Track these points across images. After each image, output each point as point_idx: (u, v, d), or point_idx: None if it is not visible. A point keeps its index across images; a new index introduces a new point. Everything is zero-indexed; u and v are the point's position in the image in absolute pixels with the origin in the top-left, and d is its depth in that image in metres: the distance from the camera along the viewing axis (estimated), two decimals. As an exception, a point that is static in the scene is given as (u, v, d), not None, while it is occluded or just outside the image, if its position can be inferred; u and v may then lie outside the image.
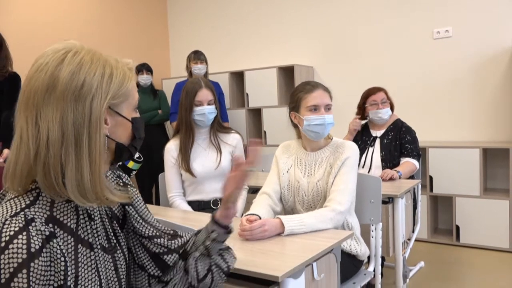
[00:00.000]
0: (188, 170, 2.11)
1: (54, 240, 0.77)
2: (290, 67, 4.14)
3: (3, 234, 0.72)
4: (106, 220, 0.93)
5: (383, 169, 2.61)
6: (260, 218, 1.57)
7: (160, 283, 1.02)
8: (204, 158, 2.15)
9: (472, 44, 3.58)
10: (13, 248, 0.71)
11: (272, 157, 1.97)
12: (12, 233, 0.73)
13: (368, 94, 2.80)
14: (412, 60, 3.84)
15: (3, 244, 0.72)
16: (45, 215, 0.80)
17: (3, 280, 0.70)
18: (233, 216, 1.07)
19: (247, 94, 4.33)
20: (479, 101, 3.59)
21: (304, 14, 4.36)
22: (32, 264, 0.72)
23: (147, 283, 1.01)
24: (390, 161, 2.66)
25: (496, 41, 3.48)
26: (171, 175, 2.16)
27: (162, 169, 2.28)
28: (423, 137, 3.71)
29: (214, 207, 2.17)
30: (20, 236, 0.73)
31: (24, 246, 0.72)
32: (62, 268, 0.77)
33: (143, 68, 4.09)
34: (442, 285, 2.71)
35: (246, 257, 1.31)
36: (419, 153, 2.70)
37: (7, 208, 0.78)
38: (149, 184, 4.08)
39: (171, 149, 2.17)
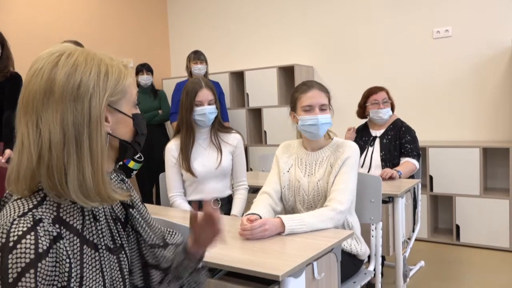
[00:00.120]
0: (189, 170, 2.11)
1: (61, 241, 0.78)
2: (290, 67, 4.14)
3: (12, 234, 0.73)
4: (111, 221, 0.94)
5: (382, 169, 2.61)
6: (260, 218, 1.57)
7: None
8: (204, 158, 2.16)
9: (472, 43, 3.58)
10: (21, 248, 0.72)
11: (272, 157, 1.97)
12: (20, 233, 0.73)
13: (369, 93, 2.80)
14: (412, 60, 3.84)
15: (11, 244, 0.72)
16: (52, 216, 0.80)
17: (10, 280, 0.71)
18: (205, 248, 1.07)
19: (247, 94, 4.33)
20: (479, 100, 3.60)
21: (304, 14, 4.37)
22: (39, 264, 0.73)
23: None
24: (390, 160, 2.66)
25: (496, 40, 3.48)
26: (171, 175, 2.16)
27: (162, 169, 2.29)
28: (423, 137, 3.72)
29: (215, 207, 2.17)
30: (28, 236, 0.73)
31: (32, 246, 0.73)
32: (67, 269, 0.77)
33: (143, 68, 4.09)
34: (442, 284, 2.72)
35: (246, 256, 1.32)
36: (419, 153, 2.70)
37: (14, 208, 0.78)
38: (150, 184, 4.08)
39: (172, 149, 2.17)
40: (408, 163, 2.61)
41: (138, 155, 0.96)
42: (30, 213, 0.77)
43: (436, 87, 3.76)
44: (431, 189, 3.46)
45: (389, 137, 2.73)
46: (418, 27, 3.79)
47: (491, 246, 3.27)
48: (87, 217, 0.87)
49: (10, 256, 0.71)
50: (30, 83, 0.80)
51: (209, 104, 2.11)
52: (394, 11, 3.89)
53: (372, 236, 2.05)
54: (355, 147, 1.80)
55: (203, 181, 2.15)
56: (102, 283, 0.86)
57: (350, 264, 1.81)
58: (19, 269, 0.71)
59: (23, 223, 0.74)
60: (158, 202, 3.65)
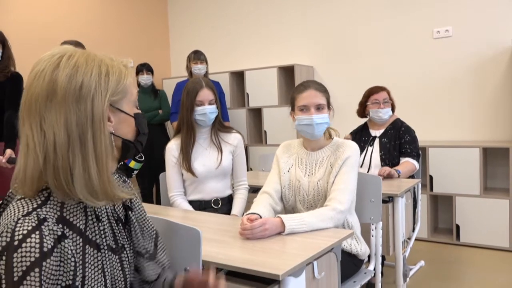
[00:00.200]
0: (189, 169, 2.12)
1: (66, 241, 0.78)
2: (290, 67, 4.14)
3: (16, 233, 0.73)
4: (113, 221, 0.95)
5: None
6: (260, 217, 1.57)
7: None
8: (205, 157, 2.16)
9: (472, 43, 3.58)
10: (26, 247, 0.72)
11: (272, 157, 1.97)
12: (25, 232, 0.74)
13: (370, 92, 2.80)
14: (412, 60, 3.84)
15: (16, 243, 0.72)
16: (56, 215, 0.81)
17: (15, 278, 0.71)
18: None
19: (248, 94, 4.33)
20: (479, 100, 3.60)
21: (304, 14, 4.37)
22: (44, 263, 0.73)
23: None
24: (389, 160, 2.67)
25: (496, 40, 3.49)
26: (172, 175, 2.17)
27: (162, 169, 2.29)
28: (423, 137, 3.72)
29: (215, 207, 2.18)
30: (33, 235, 0.74)
31: (37, 246, 0.73)
32: (72, 268, 0.78)
33: (143, 68, 4.10)
34: (442, 284, 2.72)
35: (246, 256, 1.32)
36: (419, 153, 2.70)
37: (18, 208, 0.79)
38: (150, 184, 4.09)
39: (172, 148, 2.17)
40: (408, 163, 2.61)
41: (139, 155, 0.97)
42: (35, 212, 0.78)
43: (436, 87, 3.76)
44: (431, 189, 3.46)
45: (389, 137, 2.73)
46: (418, 27, 3.79)
47: (491, 246, 3.27)
48: (89, 217, 0.87)
49: (15, 255, 0.72)
50: (32, 85, 0.81)
51: (209, 104, 2.12)
52: (394, 11, 3.89)
53: (372, 236, 2.05)
54: (355, 147, 1.80)
55: (204, 180, 2.15)
56: (103, 283, 0.87)
57: (350, 264, 1.82)
58: (24, 268, 0.71)
59: (28, 222, 0.75)
60: (158, 202, 3.66)
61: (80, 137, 0.79)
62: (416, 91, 3.84)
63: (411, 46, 3.83)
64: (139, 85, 4.10)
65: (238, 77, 4.49)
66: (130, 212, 1.00)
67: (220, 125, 2.22)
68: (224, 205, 2.21)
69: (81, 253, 0.83)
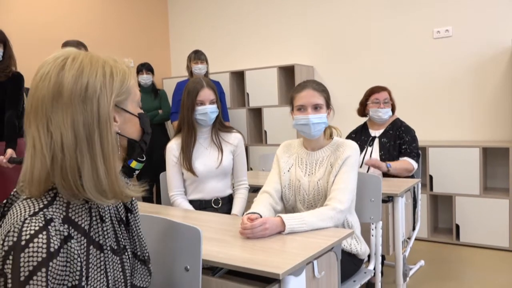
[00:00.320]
0: (190, 169, 2.12)
1: (72, 241, 0.79)
2: (290, 67, 4.15)
3: (24, 233, 0.74)
4: (116, 223, 0.95)
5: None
6: (261, 217, 1.58)
7: None
8: (205, 157, 2.16)
9: (472, 43, 3.59)
10: (33, 247, 0.73)
11: (272, 156, 1.98)
12: (32, 232, 0.74)
13: (371, 92, 2.81)
14: (412, 60, 3.85)
15: (23, 243, 0.73)
16: (62, 216, 0.82)
17: (22, 278, 0.71)
18: None
19: (248, 94, 4.34)
20: (479, 100, 3.60)
21: (304, 14, 4.37)
22: (50, 264, 0.74)
23: None
24: (389, 160, 2.67)
25: (496, 40, 3.49)
26: (172, 174, 2.17)
27: (162, 169, 2.29)
28: (423, 137, 3.72)
29: (215, 206, 2.18)
30: (40, 236, 0.74)
31: (44, 246, 0.73)
32: (78, 268, 0.78)
33: (143, 68, 4.10)
34: (442, 283, 2.72)
35: (247, 255, 1.32)
36: (418, 153, 2.70)
37: (24, 208, 0.79)
38: (150, 184, 4.09)
39: (173, 148, 2.18)
40: (404, 161, 2.61)
41: (141, 155, 0.97)
42: (41, 212, 0.78)
43: (436, 87, 3.76)
44: (431, 189, 3.46)
45: (388, 137, 2.74)
46: (418, 27, 3.80)
47: (490, 245, 3.27)
48: (94, 218, 0.88)
49: (22, 254, 0.72)
50: (38, 88, 0.81)
51: (210, 103, 2.12)
52: (394, 11, 3.90)
53: (372, 235, 2.06)
54: (355, 147, 1.81)
55: (204, 180, 2.16)
56: (105, 284, 0.88)
57: (350, 263, 1.82)
58: (30, 268, 0.72)
59: (35, 223, 0.75)
60: (158, 202, 3.66)
61: (87, 138, 0.80)
62: (416, 91, 3.84)
63: (411, 46, 3.84)
64: (139, 85, 4.10)
65: (238, 77, 4.50)
66: (129, 214, 1.01)
67: (221, 124, 2.22)
68: (224, 205, 2.21)
69: (84, 253, 0.84)
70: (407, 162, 2.61)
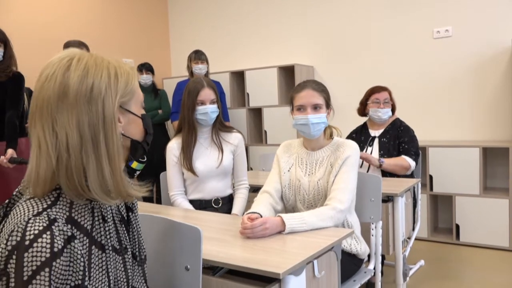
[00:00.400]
0: (190, 169, 2.12)
1: (75, 241, 0.79)
2: (290, 67, 4.15)
3: (28, 233, 0.74)
4: (118, 222, 0.96)
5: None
6: (261, 217, 1.58)
7: None
8: (206, 157, 2.16)
9: (472, 43, 3.59)
10: (37, 246, 0.73)
11: (272, 156, 1.98)
12: (36, 231, 0.74)
13: (372, 91, 2.81)
14: (412, 60, 3.85)
15: (27, 242, 0.73)
16: (65, 216, 0.82)
17: (25, 278, 0.72)
18: None
19: (248, 94, 4.34)
20: (479, 100, 3.61)
21: (304, 14, 4.38)
22: (54, 263, 0.74)
23: None
24: (389, 160, 2.67)
25: (496, 40, 3.49)
26: (173, 174, 2.17)
27: (162, 169, 2.29)
28: (423, 137, 3.73)
29: (215, 206, 2.18)
30: (44, 235, 0.74)
31: (48, 245, 0.74)
32: (81, 268, 0.79)
33: (143, 68, 4.10)
34: (441, 283, 2.73)
35: (247, 254, 1.33)
36: (417, 152, 2.70)
37: (28, 208, 0.80)
38: (150, 183, 4.09)
39: (173, 148, 2.18)
40: (400, 159, 2.62)
41: (142, 156, 0.98)
42: (45, 212, 0.78)
43: (436, 87, 3.77)
44: (431, 189, 3.47)
45: (388, 136, 2.74)
46: (418, 27, 3.80)
47: (490, 245, 3.28)
48: (96, 218, 0.88)
49: (26, 254, 0.72)
50: (43, 88, 0.82)
51: (211, 103, 2.12)
52: (394, 11, 3.90)
53: (372, 235, 2.06)
54: (355, 147, 1.81)
55: (204, 180, 2.16)
56: (107, 284, 0.88)
57: (350, 263, 1.82)
58: (34, 267, 0.72)
59: (39, 222, 0.76)
60: (158, 201, 3.66)
61: (93, 138, 0.81)
62: (416, 91, 3.84)
63: (411, 46, 3.84)
64: (139, 85, 4.10)
65: (238, 77, 4.50)
66: (130, 214, 1.01)
67: (221, 124, 2.23)
68: (224, 205, 2.21)
69: (87, 253, 0.84)
70: (402, 159, 2.61)
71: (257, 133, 4.49)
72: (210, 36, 5.00)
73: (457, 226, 3.39)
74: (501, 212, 3.21)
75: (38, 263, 0.72)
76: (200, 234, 1.19)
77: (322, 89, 1.82)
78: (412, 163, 2.62)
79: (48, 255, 0.73)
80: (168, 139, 3.87)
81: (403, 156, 2.63)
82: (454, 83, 3.69)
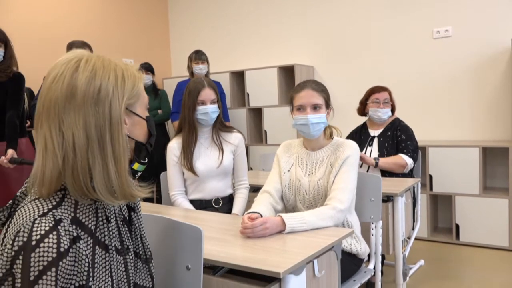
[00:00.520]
0: (191, 169, 2.13)
1: (81, 242, 0.80)
2: (290, 67, 4.15)
3: (34, 233, 0.74)
4: (120, 222, 0.96)
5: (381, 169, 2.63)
6: (261, 216, 1.58)
7: None
8: (206, 157, 2.17)
9: (471, 43, 3.59)
10: (44, 246, 0.73)
11: (273, 156, 1.98)
12: (43, 232, 0.75)
13: (372, 91, 2.82)
14: (412, 60, 3.85)
15: (34, 243, 0.73)
16: (70, 217, 0.82)
17: (32, 278, 0.72)
18: None
19: (248, 94, 4.34)
20: (479, 100, 3.61)
21: (304, 14, 4.38)
22: (60, 263, 0.74)
23: None
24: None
25: (496, 40, 3.50)
26: (173, 174, 2.18)
27: (163, 169, 2.30)
28: (422, 136, 3.73)
29: (216, 206, 2.19)
30: (51, 236, 0.75)
31: (55, 246, 0.74)
32: (86, 268, 0.79)
33: (143, 68, 4.11)
34: (441, 283, 2.73)
35: (247, 254, 1.33)
36: (415, 150, 2.70)
37: (33, 208, 0.80)
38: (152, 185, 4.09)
39: (174, 147, 2.18)
40: (397, 157, 2.62)
41: (143, 157, 0.98)
42: (51, 213, 0.79)
43: (436, 87, 3.77)
44: (431, 189, 3.47)
45: (387, 136, 2.75)
46: (418, 27, 3.80)
47: (490, 245, 3.28)
48: (100, 218, 0.89)
49: (32, 254, 0.73)
50: (51, 88, 0.82)
51: (211, 103, 2.13)
52: (394, 11, 3.90)
53: (372, 235, 2.06)
54: (355, 147, 1.81)
55: (205, 180, 2.16)
56: (110, 284, 0.88)
57: (350, 263, 1.82)
58: (40, 268, 0.73)
59: (45, 223, 0.76)
60: (158, 201, 3.66)
61: (99, 139, 0.82)
62: (416, 91, 3.85)
63: (411, 46, 3.84)
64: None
65: (238, 77, 4.50)
66: (132, 213, 1.01)
67: (221, 124, 2.23)
68: (224, 205, 2.21)
69: (90, 253, 0.84)
70: (399, 157, 2.62)
71: (257, 133, 4.50)
72: (210, 36, 5.01)
73: (457, 226, 3.39)
74: (500, 212, 3.21)
75: (45, 263, 0.73)
76: (201, 233, 1.19)
77: (321, 89, 1.82)
78: (409, 160, 2.62)
79: (54, 255, 0.74)
80: (168, 139, 3.87)
81: (400, 154, 2.64)
82: (454, 83, 3.70)
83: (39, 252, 0.73)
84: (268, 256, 1.30)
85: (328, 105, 1.84)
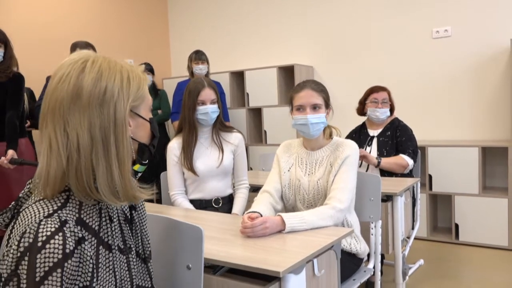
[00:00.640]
0: (191, 168, 2.13)
1: (85, 243, 0.80)
2: (290, 67, 4.16)
3: (40, 234, 0.75)
4: (123, 222, 0.97)
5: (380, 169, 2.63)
6: (261, 216, 1.59)
7: None
8: (206, 157, 2.17)
9: (471, 43, 3.60)
10: (49, 248, 0.74)
11: (272, 156, 1.99)
12: (49, 233, 0.75)
13: (371, 91, 2.83)
14: (411, 60, 3.86)
15: (40, 244, 0.74)
16: (75, 218, 0.83)
17: (37, 278, 0.72)
18: None
19: (248, 94, 4.35)
20: (478, 100, 3.62)
21: (304, 14, 4.38)
22: (65, 264, 0.75)
23: None
24: (388, 159, 2.68)
25: (495, 40, 3.50)
26: (173, 174, 2.18)
27: (162, 168, 2.30)
28: (422, 136, 3.74)
29: (216, 206, 2.19)
30: (56, 237, 0.75)
31: (60, 247, 0.75)
32: (90, 269, 0.79)
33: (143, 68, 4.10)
34: (441, 282, 2.74)
35: (247, 253, 1.33)
36: (415, 151, 2.71)
37: (38, 209, 0.80)
38: (150, 183, 4.09)
39: (174, 147, 2.19)
40: (398, 157, 2.63)
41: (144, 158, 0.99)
42: (56, 214, 0.79)
43: (436, 87, 3.78)
44: (430, 188, 3.48)
45: (386, 136, 2.75)
46: (417, 27, 3.81)
47: (489, 244, 3.29)
48: (103, 218, 0.89)
49: (38, 255, 0.73)
50: (57, 89, 0.83)
51: (211, 103, 2.13)
52: (394, 11, 3.91)
53: (372, 234, 2.07)
54: (354, 146, 1.82)
55: (205, 179, 2.17)
56: (114, 284, 0.89)
57: (350, 263, 1.83)
58: (46, 268, 0.73)
59: (51, 224, 0.76)
60: (158, 201, 3.67)
61: (103, 141, 0.82)
62: (415, 91, 3.85)
63: (411, 46, 3.85)
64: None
65: (238, 77, 4.51)
66: (133, 212, 1.02)
67: (221, 124, 2.24)
68: (224, 204, 2.22)
69: (94, 254, 0.85)
70: (400, 157, 2.63)
71: (257, 133, 4.50)
72: (210, 36, 5.01)
73: (456, 226, 3.40)
74: (500, 211, 3.22)
75: (51, 264, 0.73)
76: (202, 233, 1.19)
77: (321, 89, 1.83)
78: (410, 161, 2.63)
79: (60, 256, 0.74)
80: (168, 139, 3.88)
81: (401, 155, 2.65)
82: (453, 83, 3.70)
83: (45, 253, 0.73)
84: (268, 255, 1.31)
85: (327, 105, 1.84)
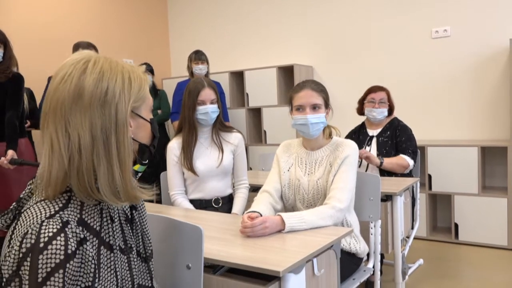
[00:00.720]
0: (191, 168, 2.13)
1: (87, 243, 0.80)
2: (290, 67, 4.16)
3: (42, 235, 0.75)
4: (124, 222, 0.97)
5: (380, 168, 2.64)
6: (261, 216, 1.59)
7: None
8: (206, 157, 2.18)
9: (470, 43, 3.60)
10: (52, 248, 0.74)
11: (272, 156, 1.99)
12: (51, 234, 0.75)
13: (369, 91, 2.83)
14: (410, 59, 3.86)
15: (42, 245, 0.74)
16: (76, 218, 0.83)
17: (39, 279, 0.73)
18: None
19: (247, 94, 4.35)
20: (478, 100, 3.62)
21: (304, 14, 4.39)
22: (68, 265, 0.75)
23: None
24: (387, 159, 2.68)
25: (494, 40, 3.51)
26: (173, 174, 2.19)
27: (163, 168, 2.30)
28: (421, 136, 3.74)
29: (216, 206, 2.19)
30: (58, 238, 0.75)
31: (62, 248, 0.75)
32: (92, 270, 0.80)
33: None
34: (440, 282, 2.74)
35: (247, 253, 1.34)
36: (415, 151, 2.72)
37: (40, 210, 0.80)
38: (150, 183, 4.10)
39: (174, 147, 2.19)
40: (399, 158, 2.64)
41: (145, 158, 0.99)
42: (58, 215, 0.80)
43: (435, 87, 3.78)
44: (430, 188, 3.48)
45: (386, 136, 2.76)
46: (417, 27, 3.81)
47: (489, 244, 3.29)
48: (104, 219, 0.90)
49: (40, 256, 0.73)
50: (58, 89, 0.83)
51: (211, 103, 2.14)
52: (393, 11, 3.91)
53: (371, 234, 2.07)
54: (354, 146, 1.82)
55: (205, 179, 2.17)
56: (115, 283, 0.89)
57: (349, 263, 1.83)
58: (48, 269, 0.73)
59: (53, 225, 0.77)
60: (158, 201, 3.67)
61: (104, 141, 0.82)
62: (414, 91, 3.86)
63: (410, 46, 3.85)
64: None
65: (238, 77, 4.51)
66: (134, 211, 1.02)
67: (221, 124, 2.24)
68: (224, 204, 2.22)
69: (96, 254, 0.85)
70: (401, 158, 2.63)
71: (256, 133, 4.51)
72: (210, 36, 5.01)
73: (456, 225, 3.41)
74: (499, 211, 3.23)
75: (53, 265, 0.73)
76: (202, 233, 1.20)
77: (321, 89, 1.83)
78: (410, 161, 2.64)
79: (62, 257, 0.74)
80: (168, 139, 3.88)
81: (402, 155, 2.65)
82: (452, 83, 3.71)
83: (47, 254, 0.74)
84: (267, 255, 1.31)
85: (327, 105, 1.85)
